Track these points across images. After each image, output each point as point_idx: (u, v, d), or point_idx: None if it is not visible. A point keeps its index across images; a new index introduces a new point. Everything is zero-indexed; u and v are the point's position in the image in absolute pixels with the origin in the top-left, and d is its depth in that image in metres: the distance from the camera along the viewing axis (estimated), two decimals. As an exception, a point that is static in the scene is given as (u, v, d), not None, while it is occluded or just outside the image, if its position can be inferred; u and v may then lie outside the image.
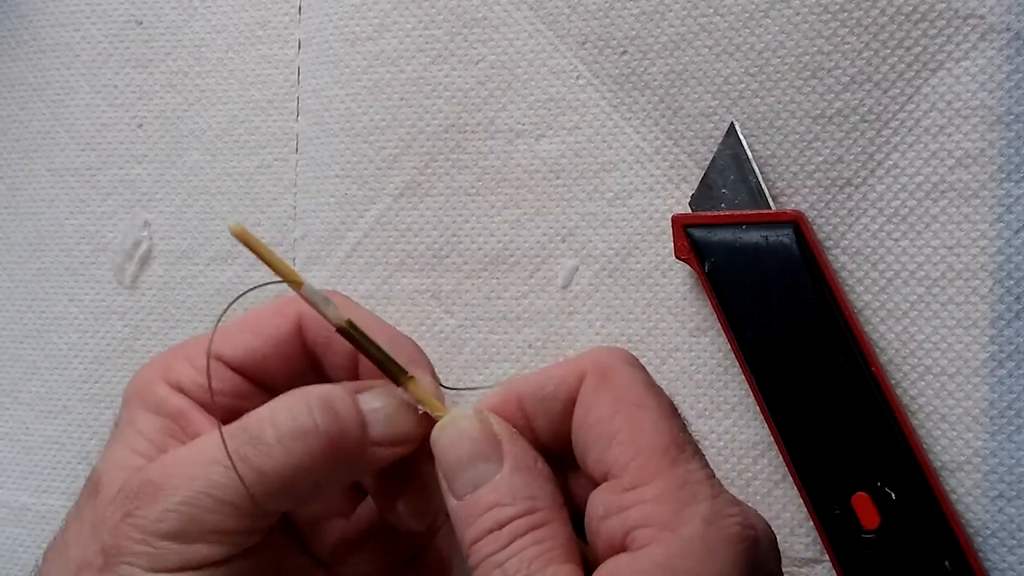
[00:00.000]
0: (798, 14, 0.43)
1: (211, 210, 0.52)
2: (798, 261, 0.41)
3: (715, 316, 0.43)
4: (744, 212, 0.42)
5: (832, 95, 0.42)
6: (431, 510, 0.35)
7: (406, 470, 0.34)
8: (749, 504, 0.31)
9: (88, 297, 0.54)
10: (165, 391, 0.35)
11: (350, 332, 0.32)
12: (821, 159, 0.42)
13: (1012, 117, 0.40)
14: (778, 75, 0.43)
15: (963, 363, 0.41)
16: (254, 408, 0.33)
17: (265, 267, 0.32)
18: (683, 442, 0.30)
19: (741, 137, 0.43)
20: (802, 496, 0.41)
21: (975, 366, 0.40)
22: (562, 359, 0.33)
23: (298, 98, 0.51)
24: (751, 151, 0.43)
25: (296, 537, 0.37)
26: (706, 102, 0.44)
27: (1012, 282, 0.40)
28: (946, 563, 0.39)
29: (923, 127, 0.41)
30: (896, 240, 0.42)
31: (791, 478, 0.42)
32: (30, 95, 0.55)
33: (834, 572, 0.41)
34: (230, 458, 0.31)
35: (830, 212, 0.42)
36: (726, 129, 0.43)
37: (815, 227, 0.42)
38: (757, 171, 0.42)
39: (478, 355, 0.47)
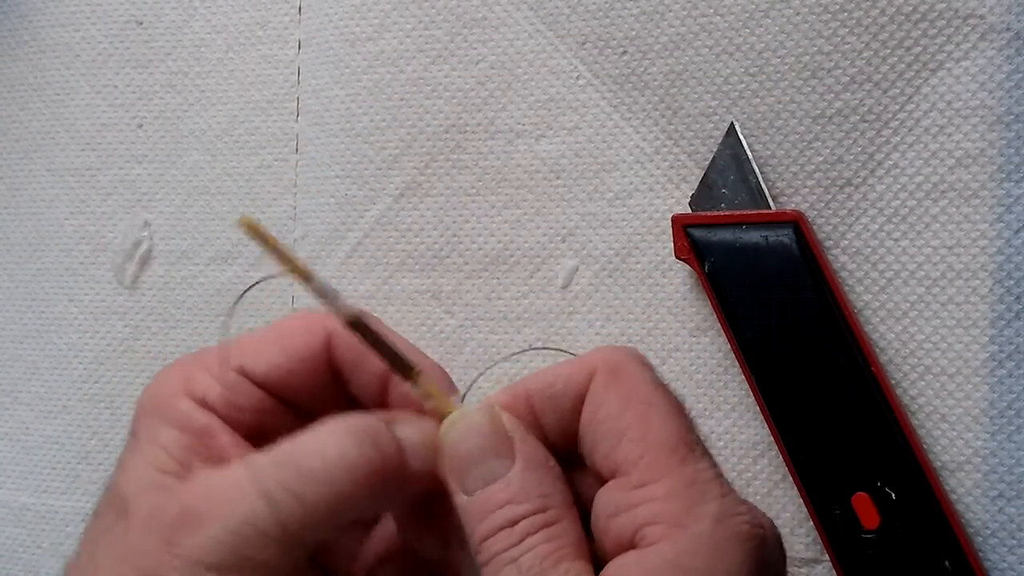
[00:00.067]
0: (798, 14, 0.43)
1: (211, 210, 0.52)
2: (798, 261, 0.41)
3: (715, 316, 0.43)
4: (744, 212, 0.42)
5: (832, 95, 0.42)
6: (456, 536, 0.35)
7: (432, 498, 0.34)
8: (750, 504, 0.32)
9: (88, 297, 0.54)
10: (188, 405, 0.34)
11: (360, 327, 0.32)
12: (821, 159, 0.42)
13: (1012, 117, 0.40)
14: (778, 75, 0.43)
15: (963, 363, 0.41)
16: (276, 424, 0.33)
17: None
18: (692, 441, 0.30)
19: (741, 137, 0.43)
20: (802, 496, 0.41)
21: (975, 366, 0.40)
22: (563, 360, 0.33)
23: (298, 98, 0.51)
24: (751, 151, 0.43)
25: (316, 562, 0.37)
26: (706, 102, 0.44)
27: (1012, 282, 0.40)
28: (946, 563, 0.39)
29: (923, 127, 0.41)
30: (896, 240, 0.42)
31: (791, 478, 0.42)
32: (30, 95, 0.55)
33: (834, 572, 0.41)
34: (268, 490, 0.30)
35: (830, 212, 0.42)
36: (726, 129, 0.43)
37: (815, 227, 0.42)
38: (757, 171, 0.42)
39: (478, 355, 0.47)
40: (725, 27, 0.44)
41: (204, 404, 0.34)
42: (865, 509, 0.40)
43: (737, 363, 0.43)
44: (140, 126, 0.53)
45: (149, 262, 0.53)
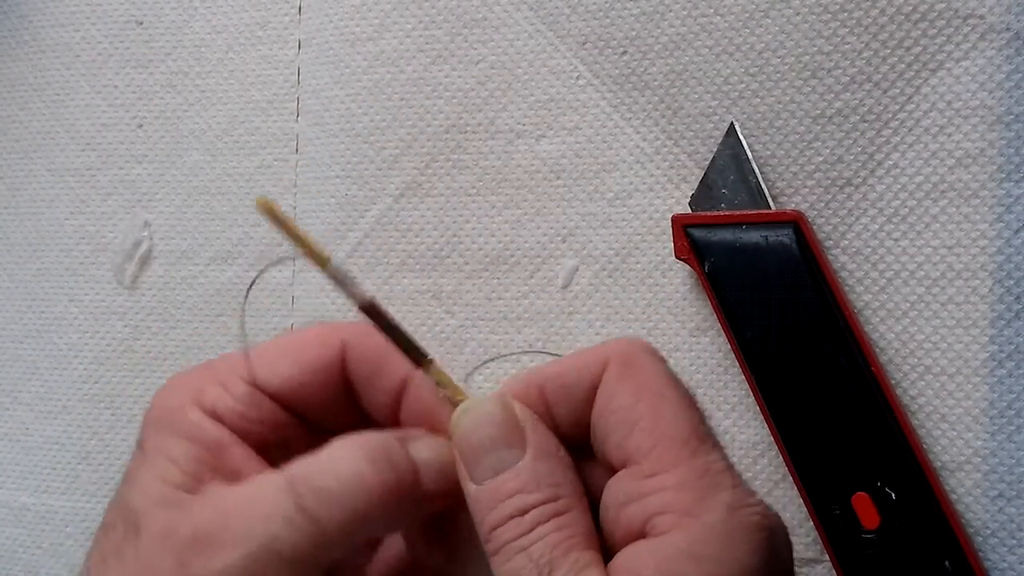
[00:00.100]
0: (798, 14, 0.43)
1: (211, 210, 0.52)
2: (798, 261, 0.41)
3: (715, 316, 0.43)
4: (744, 212, 0.42)
5: (832, 95, 0.42)
6: (464, 550, 0.35)
7: (444, 516, 0.34)
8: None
9: (88, 297, 0.54)
10: (198, 416, 0.33)
11: (373, 312, 0.32)
12: (821, 159, 0.42)
13: (1012, 117, 0.40)
14: (778, 75, 0.43)
15: (963, 363, 0.41)
16: (288, 437, 0.33)
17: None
18: (704, 432, 0.30)
19: (741, 137, 0.43)
20: (802, 496, 0.41)
21: (975, 366, 0.40)
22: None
23: (298, 98, 0.51)
24: (751, 151, 0.43)
25: None
26: (706, 102, 0.44)
27: (1012, 282, 0.40)
28: (946, 563, 0.39)
29: (923, 127, 0.41)
30: (896, 240, 0.42)
31: (791, 478, 0.42)
32: (30, 95, 0.55)
33: (834, 572, 0.41)
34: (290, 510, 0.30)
35: (830, 212, 0.42)
36: (726, 129, 0.43)
37: (815, 227, 0.42)
38: (757, 171, 0.42)
39: (479, 355, 0.47)
40: (725, 27, 0.44)
41: (214, 415, 0.33)
42: (865, 509, 0.40)
43: (737, 363, 0.43)
44: (140, 126, 0.53)
45: (149, 262, 0.53)
